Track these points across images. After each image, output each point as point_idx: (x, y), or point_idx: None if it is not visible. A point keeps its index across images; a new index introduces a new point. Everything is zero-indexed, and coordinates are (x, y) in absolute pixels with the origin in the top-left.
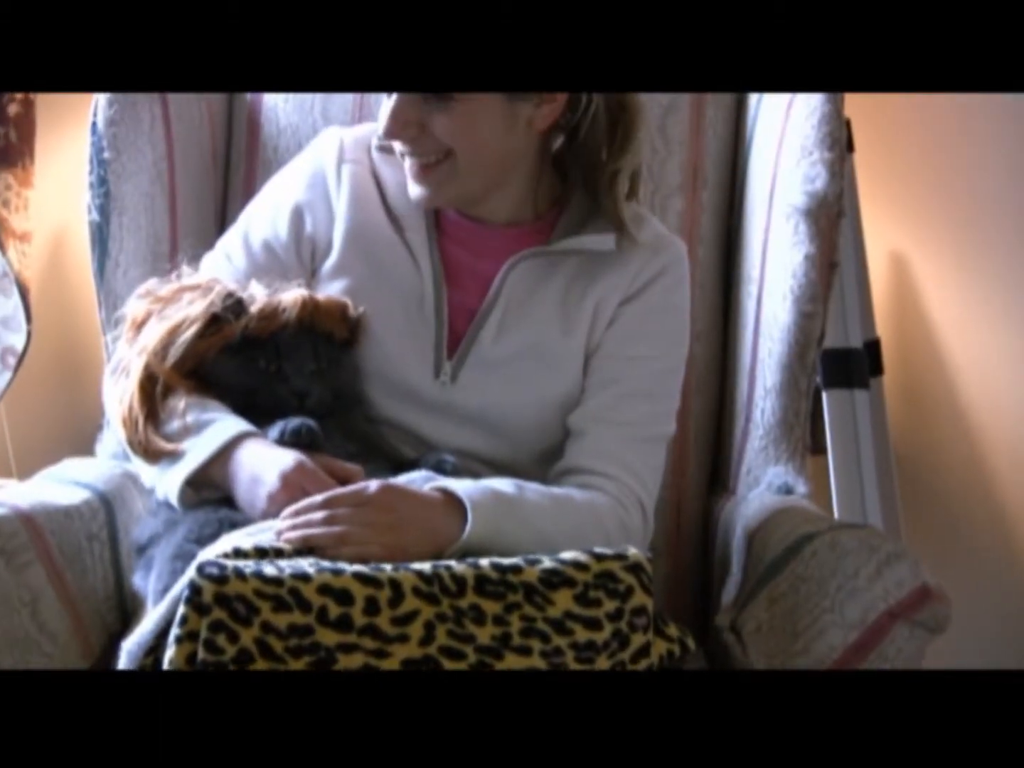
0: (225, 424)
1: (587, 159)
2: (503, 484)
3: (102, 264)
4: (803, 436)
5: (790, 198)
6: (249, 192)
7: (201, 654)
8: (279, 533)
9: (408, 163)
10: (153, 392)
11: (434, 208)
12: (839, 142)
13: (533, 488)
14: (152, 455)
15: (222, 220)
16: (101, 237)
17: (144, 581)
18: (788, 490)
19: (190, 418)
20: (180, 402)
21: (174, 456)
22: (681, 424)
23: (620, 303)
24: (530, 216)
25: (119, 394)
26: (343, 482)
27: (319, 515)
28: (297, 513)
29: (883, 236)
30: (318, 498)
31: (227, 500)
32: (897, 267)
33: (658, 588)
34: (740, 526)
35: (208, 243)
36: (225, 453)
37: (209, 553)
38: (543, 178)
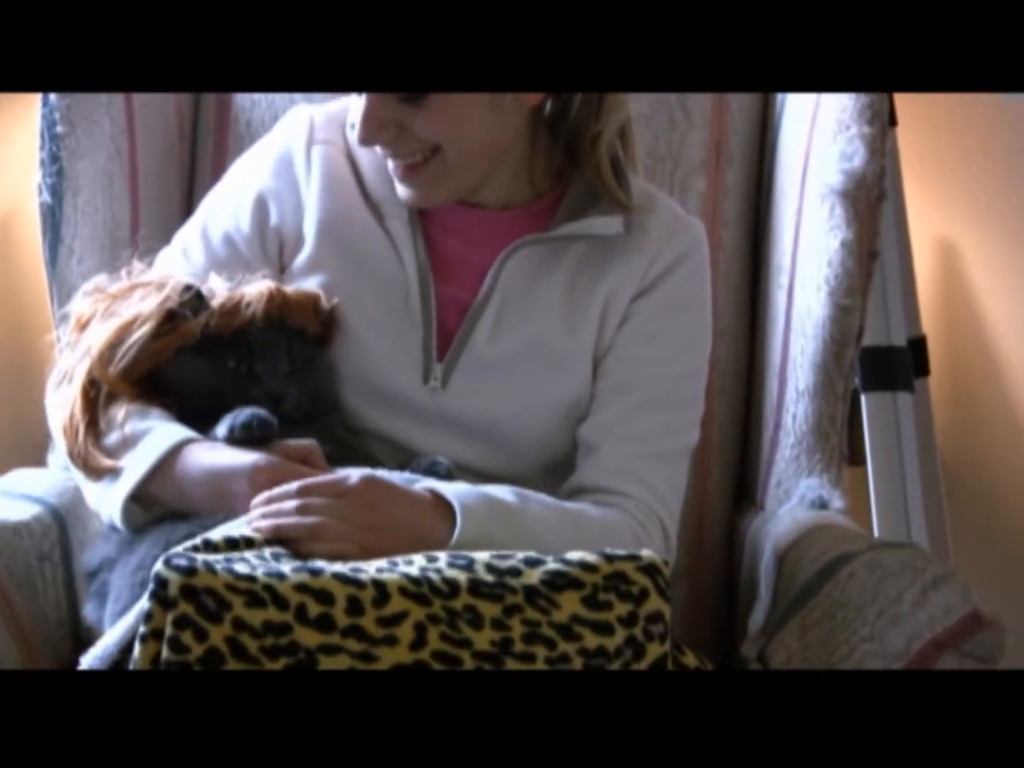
0: (162, 433)
1: (572, 123)
2: (501, 491)
3: (54, 251)
4: (839, 444)
5: (825, 178)
6: (219, 170)
7: (165, 653)
8: (249, 522)
9: (391, 165)
10: (96, 399)
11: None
12: (880, 115)
13: (538, 498)
14: (92, 470)
15: (188, 202)
16: (53, 221)
17: (97, 612)
18: (823, 505)
19: (128, 429)
20: (120, 411)
21: (114, 473)
22: (703, 431)
23: (633, 297)
24: (528, 196)
25: (61, 401)
26: (302, 462)
27: (291, 504)
28: (269, 501)
29: (930, 221)
30: (292, 485)
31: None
32: (945, 255)
33: (676, 613)
34: (769, 545)
35: (173, 227)
36: (166, 465)
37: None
38: (538, 151)
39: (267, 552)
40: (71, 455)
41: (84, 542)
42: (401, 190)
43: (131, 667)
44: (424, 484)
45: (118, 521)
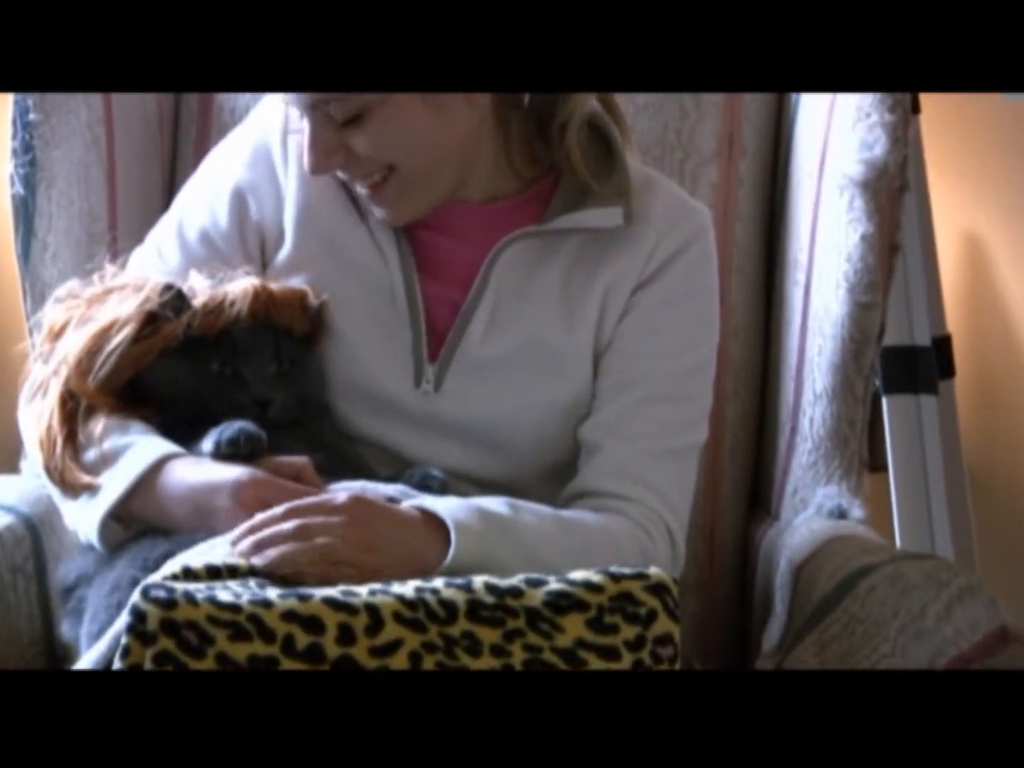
0: (142, 449)
1: (535, 114)
2: (494, 504)
3: (27, 246)
4: (859, 450)
5: (844, 168)
6: (202, 161)
7: None
8: (241, 554)
9: (357, 187)
10: (75, 409)
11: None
12: (902, 102)
13: (531, 509)
14: (69, 487)
15: (170, 194)
16: (26, 214)
17: (74, 630)
18: (841, 514)
19: (107, 445)
20: (99, 425)
21: (92, 490)
22: (715, 436)
23: (634, 290)
24: (515, 187)
25: (36, 414)
26: (294, 480)
27: (288, 525)
28: (253, 529)
29: (955, 213)
30: (278, 510)
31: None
32: (971, 250)
33: (686, 629)
34: (785, 557)
35: (153, 221)
36: (147, 483)
37: (156, 576)
38: (513, 140)
39: (251, 582)
40: (48, 470)
41: (59, 554)
42: (376, 211)
43: None
44: (413, 502)
45: (95, 541)
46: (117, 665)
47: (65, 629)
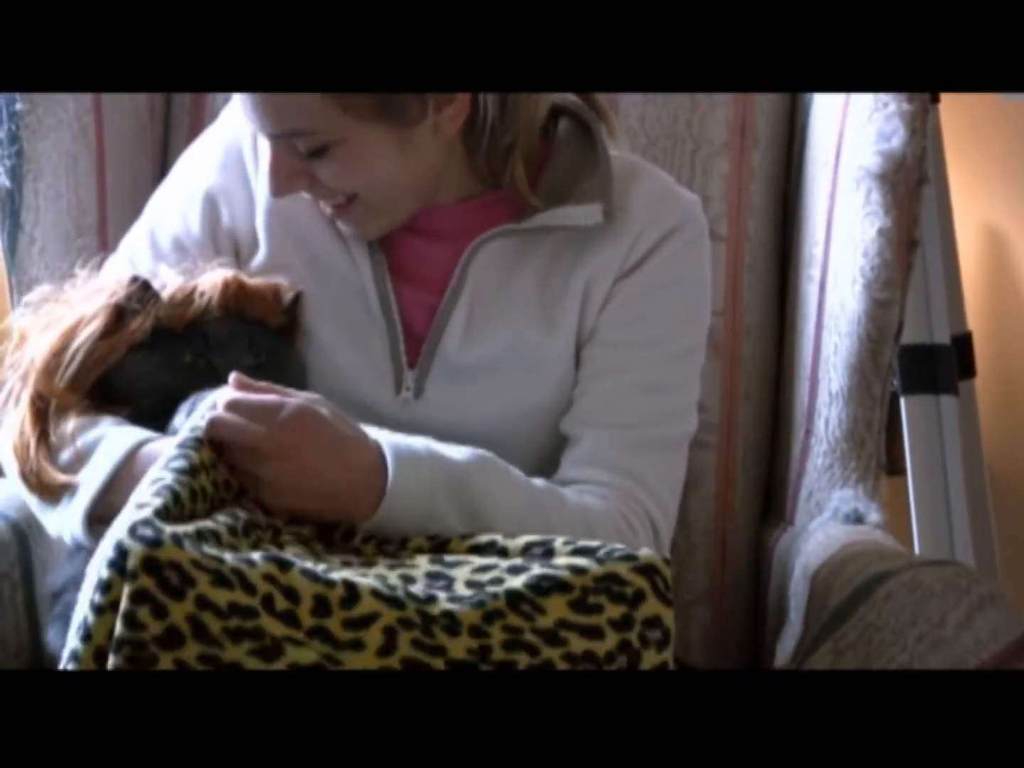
0: (115, 439)
1: (486, 136)
2: (458, 453)
3: (14, 240)
4: (876, 452)
5: (860, 160)
6: None
7: (119, 629)
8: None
9: (320, 205)
10: (46, 410)
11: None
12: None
13: (504, 473)
14: (47, 489)
15: None
16: (12, 207)
17: (61, 638)
18: (858, 518)
19: (80, 443)
20: (70, 424)
21: (71, 490)
22: (727, 439)
23: (615, 280)
24: (486, 185)
25: (8, 425)
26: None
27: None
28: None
29: (975, 207)
30: (224, 398)
31: None
32: (992, 245)
33: (697, 639)
34: (799, 563)
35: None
36: (124, 472)
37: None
38: (480, 146)
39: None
40: (24, 475)
41: (47, 561)
42: (342, 226)
43: (84, 643)
44: (380, 435)
45: (82, 538)
46: (97, 599)
47: (52, 637)
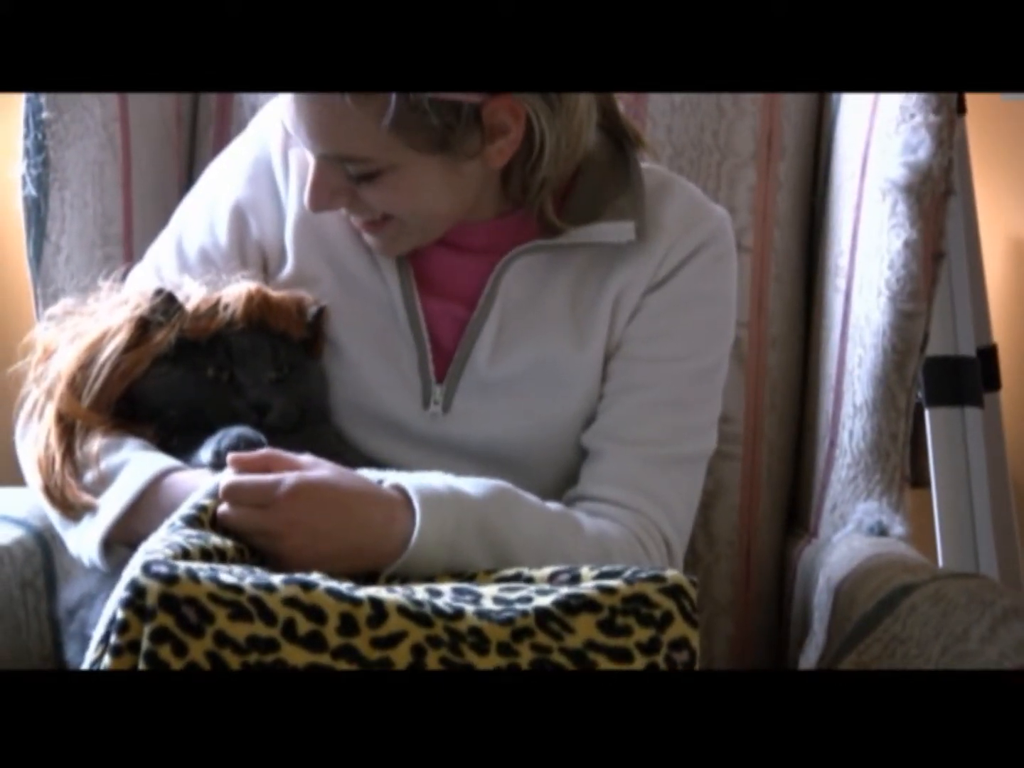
0: (139, 465)
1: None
2: (472, 487)
3: (39, 249)
4: (901, 465)
5: (887, 171)
6: None
7: (141, 668)
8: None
9: (351, 218)
10: (72, 425)
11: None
12: (947, 102)
13: (520, 503)
14: (70, 506)
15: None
16: (38, 216)
17: (80, 657)
18: (882, 531)
19: (104, 464)
20: (95, 445)
21: (92, 510)
22: (751, 450)
23: (644, 293)
24: (520, 202)
25: (33, 437)
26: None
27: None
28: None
29: (1001, 219)
30: (223, 482)
31: None
32: (1018, 257)
33: (720, 652)
34: (823, 576)
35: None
36: (145, 500)
37: (155, 553)
38: (516, 169)
39: (256, 570)
40: (47, 490)
41: (70, 570)
42: (367, 239)
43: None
44: (400, 477)
45: (98, 561)
46: (114, 641)
47: (72, 655)
